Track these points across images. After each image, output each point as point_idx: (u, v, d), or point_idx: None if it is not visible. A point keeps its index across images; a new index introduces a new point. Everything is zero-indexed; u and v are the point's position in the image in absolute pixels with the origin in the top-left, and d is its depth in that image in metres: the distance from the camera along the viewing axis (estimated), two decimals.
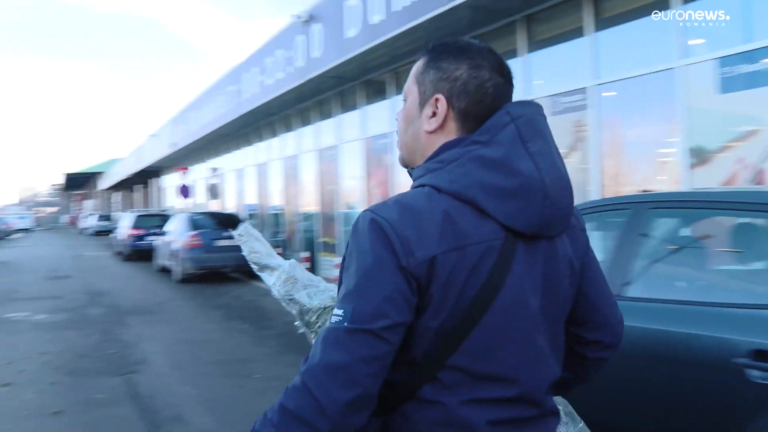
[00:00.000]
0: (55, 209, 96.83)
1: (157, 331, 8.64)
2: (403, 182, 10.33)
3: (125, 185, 44.50)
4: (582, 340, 1.33)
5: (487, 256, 1.09)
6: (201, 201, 23.97)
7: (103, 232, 39.52)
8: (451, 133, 1.19)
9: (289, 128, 15.74)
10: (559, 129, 7.39)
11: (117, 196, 48.87)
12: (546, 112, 1.22)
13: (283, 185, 16.20)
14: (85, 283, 14.53)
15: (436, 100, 1.19)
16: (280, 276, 2.11)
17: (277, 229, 16.75)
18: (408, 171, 1.29)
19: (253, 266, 2.27)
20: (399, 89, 11.17)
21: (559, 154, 1.18)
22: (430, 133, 1.21)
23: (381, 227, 1.07)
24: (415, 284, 1.06)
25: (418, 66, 1.25)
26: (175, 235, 14.89)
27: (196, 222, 15.04)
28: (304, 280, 2.07)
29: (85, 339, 8.12)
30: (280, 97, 13.06)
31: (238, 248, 2.49)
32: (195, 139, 20.40)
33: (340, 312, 1.07)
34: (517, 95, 1.24)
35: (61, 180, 65.35)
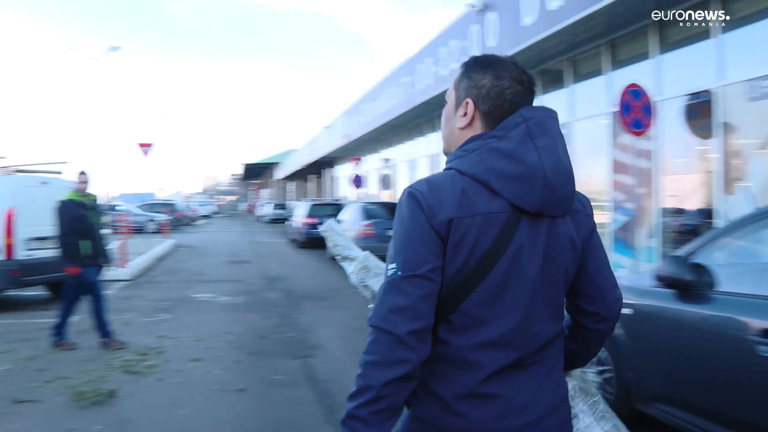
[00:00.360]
0: (234, 197, 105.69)
1: (332, 316, 9.05)
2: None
3: (300, 175, 47.44)
4: (583, 311, 1.64)
5: (493, 225, 1.40)
6: (373, 191, 24.79)
7: (278, 220, 42.39)
8: (477, 129, 1.53)
9: None
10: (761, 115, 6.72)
11: (292, 186, 52.20)
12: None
13: None
14: (263, 269, 15.66)
15: (466, 103, 1.54)
16: (357, 265, 2.52)
17: None
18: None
19: (336, 258, 2.69)
20: (577, 78, 10.78)
21: (564, 150, 1.48)
22: (462, 129, 1.55)
23: (415, 197, 1.43)
24: (439, 239, 1.40)
25: (456, 75, 1.61)
26: (349, 224, 15.52)
27: (369, 212, 15.56)
28: (376, 269, 2.48)
29: (264, 321, 8.73)
30: None
31: None
32: (368, 130, 21.13)
33: (392, 266, 1.40)
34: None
35: (240, 170, 71.09)
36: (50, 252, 10.02)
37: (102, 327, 7.19)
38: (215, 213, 65.03)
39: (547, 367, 1.51)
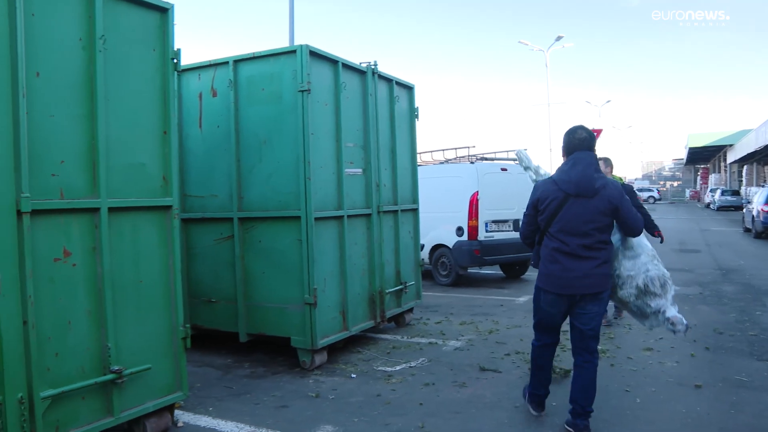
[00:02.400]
0: (676, 183, 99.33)
1: None
2: None
3: (756, 158, 41.77)
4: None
5: (556, 200, 4.14)
6: None
7: (729, 208, 38.23)
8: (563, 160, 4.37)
9: None
10: None
11: (746, 170, 46.39)
12: None
13: None
14: (715, 258, 14.28)
15: (562, 148, 4.37)
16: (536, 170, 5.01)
17: None
18: None
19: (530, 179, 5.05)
20: None
21: (592, 170, 4.12)
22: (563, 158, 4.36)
23: (534, 187, 4.41)
24: (535, 206, 4.32)
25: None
26: None
27: None
28: (533, 167, 5.05)
29: (720, 315, 7.91)
30: None
31: None
32: None
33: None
34: None
35: (683, 154, 66.30)
36: (507, 234, 10.88)
37: None
38: (656, 199, 62.05)
39: (586, 257, 4.09)
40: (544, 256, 4.22)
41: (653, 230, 7.13)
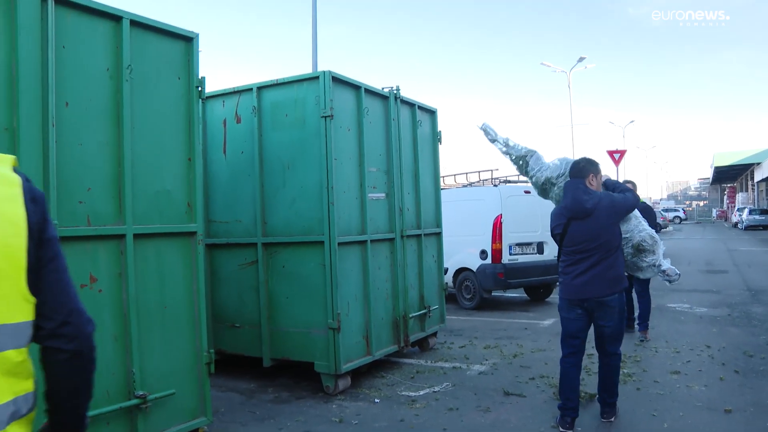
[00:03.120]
0: (702, 203, 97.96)
1: None
2: None
3: None
4: None
5: (561, 224, 4.76)
6: None
7: (758, 227, 37.56)
8: None
9: None
10: None
11: None
12: None
13: None
14: (744, 279, 13.98)
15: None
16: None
17: None
18: None
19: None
20: None
21: (580, 194, 4.66)
22: None
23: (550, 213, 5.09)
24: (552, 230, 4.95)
25: None
26: None
27: None
28: (501, 139, 5.51)
29: (750, 338, 7.72)
30: None
31: None
32: None
33: None
34: None
35: (709, 173, 65.44)
36: (531, 257, 10.78)
37: (640, 319, 8.04)
38: (682, 219, 61.18)
39: (593, 266, 4.62)
40: (561, 269, 4.85)
41: None
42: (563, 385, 4.77)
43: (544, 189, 5.24)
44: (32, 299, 1.40)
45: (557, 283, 5.22)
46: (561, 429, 4.68)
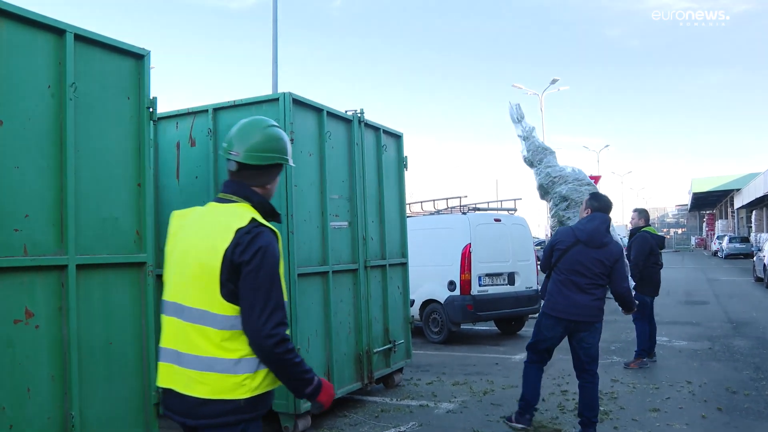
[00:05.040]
0: (680, 230, 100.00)
1: None
2: None
3: (765, 202, 42.24)
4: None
5: (567, 242, 5.44)
6: None
7: (738, 255, 38.44)
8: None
9: None
10: None
11: (758, 215, 46.79)
12: None
13: None
14: (725, 311, 14.25)
15: (588, 205, 5.70)
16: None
17: None
18: None
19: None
20: None
21: (604, 228, 5.42)
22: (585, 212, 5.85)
23: (556, 231, 6.96)
24: (553, 246, 5.65)
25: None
26: None
27: None
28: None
29: (733, 373, 7.85)
30: None
31: None
32: None
33: None
34: None
35: (687, 200, 66.96)
36: (501, 288, 10.84)
37: (642, 348, 8.45)
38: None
39: (585, 292, 5.32)
40: (552, 287, 5.48)
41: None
42: (528, 387, 5.58)
43: (545, 188, 6.38)
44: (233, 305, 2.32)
45: (528, 316, 6.04)
46: (521, 425, 5.58)
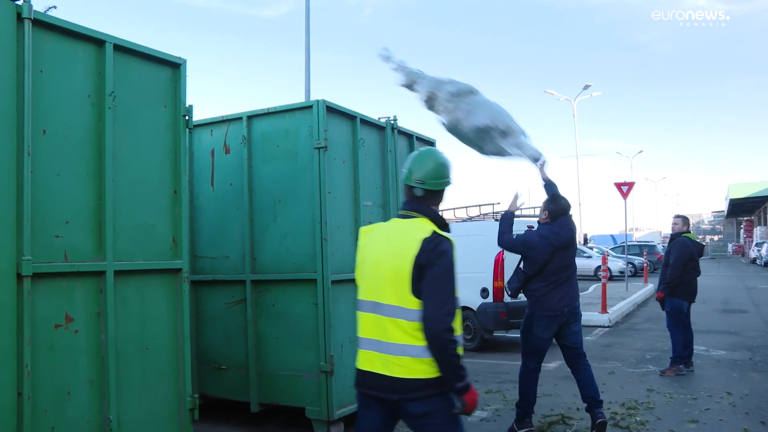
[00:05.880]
0: (717, 237, 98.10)
1: None
2: None
3: None
4: None
5: (546, 251, 5.67)
6: None
7: None
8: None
9: None
10: None
11: None
12: None
13: None
14: (765, 320, 13.93)
15: (549, 211, 5.91)
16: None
17: None
18: None
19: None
20: None
21: (574, 228, 5.93)
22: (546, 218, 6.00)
23: (529, 240, 5.99)
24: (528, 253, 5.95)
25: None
26: None
27: None
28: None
29: None
30: None
31: None
32: None
33: None
34: None
35: (724, 206, 65.69)
36: None
37: (677, 354, 8.37)
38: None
39: (569, 280, 5.77)
40: (539, 290, 5.72)
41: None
42: (529, 393, 5.76)
43: (467, 137, 5.44)
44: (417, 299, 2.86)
45: (508, 293, 6.34)
46: (525, 429, 5.70)
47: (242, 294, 6.24)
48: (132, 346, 4.14)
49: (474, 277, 10.59)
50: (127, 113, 4.19)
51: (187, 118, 4.60)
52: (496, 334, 11.59)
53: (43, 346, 3.62)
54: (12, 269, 3.45)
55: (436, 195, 3.12)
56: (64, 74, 3.85)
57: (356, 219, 6.29)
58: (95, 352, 3.92)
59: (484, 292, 10.48)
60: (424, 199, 3.07)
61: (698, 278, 8.57)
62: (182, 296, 4.48)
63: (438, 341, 2.79)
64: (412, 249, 2.86)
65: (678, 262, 8.22)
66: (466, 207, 13.75)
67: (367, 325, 3.00)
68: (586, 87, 34.22)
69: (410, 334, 2.84)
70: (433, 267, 2.83)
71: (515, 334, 12.32)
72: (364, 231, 3.20)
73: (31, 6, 3.60)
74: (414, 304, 2.84)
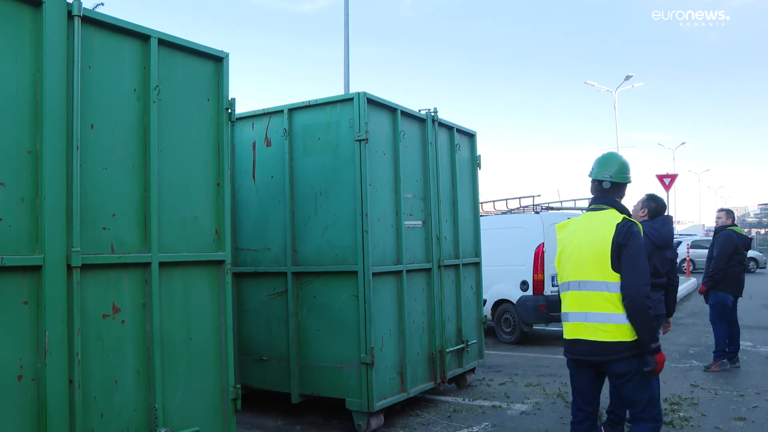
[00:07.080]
0: (763, 230, 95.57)
1: None
2: None
3: None
4: None
5: (647, 251, 4.37)
6: None
7: None
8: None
9: None
10: None
11: None
12: None
13: None
14: None
15: (650, 209, 5.56)
16: None
17: None
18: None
19: None
20: None
21: (671, 228, 5.52)
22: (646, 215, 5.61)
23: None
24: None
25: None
26: None
27: None
28: None
29: None
30: None
31: None
32: None
33: None
34: None
35: None
36: None
37: (721, 349, 8.16)
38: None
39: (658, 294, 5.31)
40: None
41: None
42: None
43: None
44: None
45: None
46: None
47: (283, 286, 6.28)
48: (176, 336, 4.19)
49: (513, 270, 10.51)
50: (172, 107, 4.23)
51: (229, 111, 4.62)
52: (536, 327, 11.48)
53: (92, 336, 3.68)
54: (62, 261, 3.52)
55: (620, 188, 3.87)
56: (111, 69, 3.90)
57: (397, 211, 6.27)
58: (141, 342, 3.97)
59: (523, 284, 10.38)
60: (610, 192, 3.82)
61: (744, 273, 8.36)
62: (225, 288, 4.51)
63: (639, 305, 3.46)
64: (610, 233, 3.58)
65: (722, 255, 8.02)
66: (506, 199, 13.62)
67: (573, 301, 3.71)
68: (628, 77, 33.53)
69: (614, 303, 3.53)
70: (627, 246, 3.53)
71: (554, 327, 12.19)
72: (560, 226, 3.99)
73: (80, 3, 3.66)
74: (615, 278, 3.54)
